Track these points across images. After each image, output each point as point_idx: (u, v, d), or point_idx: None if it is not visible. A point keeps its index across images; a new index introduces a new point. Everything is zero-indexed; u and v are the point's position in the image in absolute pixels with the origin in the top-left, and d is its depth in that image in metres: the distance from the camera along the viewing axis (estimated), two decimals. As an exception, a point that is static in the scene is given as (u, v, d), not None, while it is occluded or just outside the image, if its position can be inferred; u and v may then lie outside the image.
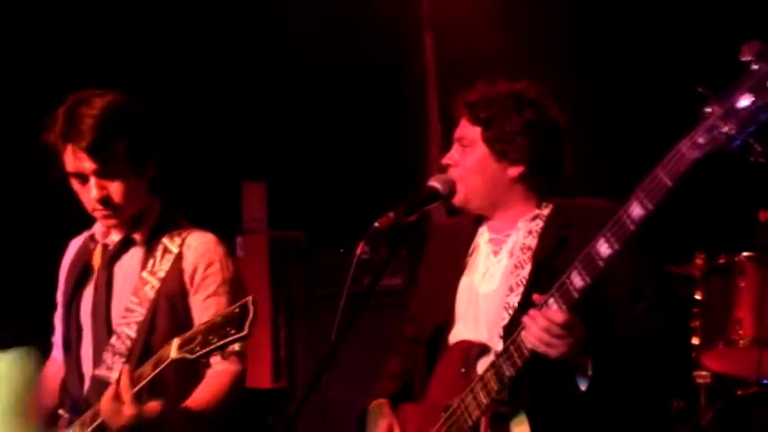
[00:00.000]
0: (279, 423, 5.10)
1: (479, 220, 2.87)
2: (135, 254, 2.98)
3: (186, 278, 2.91)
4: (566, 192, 2.81)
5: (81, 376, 2.97)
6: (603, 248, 2.30)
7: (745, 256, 4.41)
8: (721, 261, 4.49)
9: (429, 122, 6.27)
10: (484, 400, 2.56)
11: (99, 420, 2.70)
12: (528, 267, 2.67)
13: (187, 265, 2.91)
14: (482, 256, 2.82)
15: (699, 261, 4.53)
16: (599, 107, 5.27)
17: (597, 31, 5.57)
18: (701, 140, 2.09)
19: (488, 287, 2.74)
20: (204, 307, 2.87)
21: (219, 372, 2.87)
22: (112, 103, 2.85)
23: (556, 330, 2.37)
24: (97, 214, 2.92)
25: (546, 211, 2.76)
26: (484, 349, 2.66)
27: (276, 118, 6.08)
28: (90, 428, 2.75)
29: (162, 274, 2.90)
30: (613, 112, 5.43)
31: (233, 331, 2.43)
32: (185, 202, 3.11)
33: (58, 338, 3.15)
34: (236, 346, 2.58)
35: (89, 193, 2.85)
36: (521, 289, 2.64)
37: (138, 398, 2.62)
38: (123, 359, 2.84)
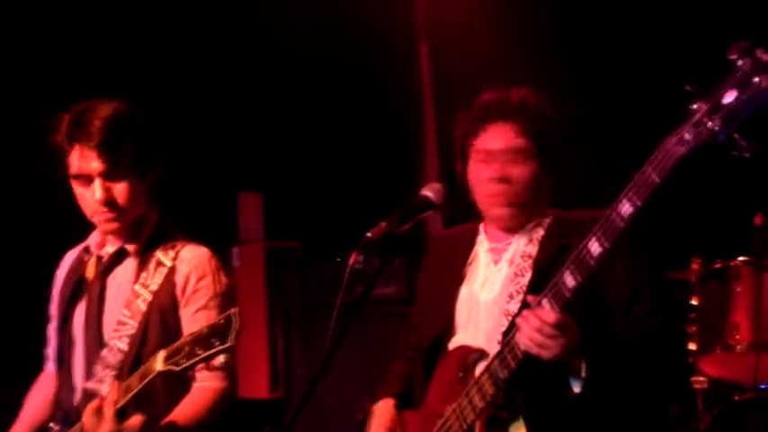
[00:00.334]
0: (276, 432, 5.09)
1: (477, 229, 2.88)
2: (128, 266, 2.97)
3: (178, 291, 2.90)
4: (564, 202, 2.82)
5: (73, 389, 2.96)
6: (594, 247, 2.30)
7: (741, 261, 4.40)
8: (717, 266, 4.48)
9: (425, 132, 6.28)
10: (479, 403, 2.56)
11: None
12: (528, 275, 2.68)
13: (179, 278, 2.90)
14: (482, 265, 2.83)
15: (695, 266, 4.52)
16: (593, 114, 5.27)
17: (592, 40, 5.58)
18: (687, 136, 2.11)
19: (488, 295, 2.75)
20: (194, 320, 2.85)
21: (202, 388, 2.85)
22: (117, 109, 2.87)
23: (548, 331, 2.36)
24: (98, 218, 2.90)
25: (547, 220, 2.77)
26: (482, 355, 2.66)
27: (272, 128, 6.09)
28: None
29: (154, 288, 2.89)
30: (608, 118, 5.43)
31: (217, 343, 2.42)
32: (182, 213, 3.11)
33: (51, 351, 3.15)
34: (222, 358, 2.57)
35: (92, 196, 2.84)
36: (521, 296, 2.64)
37: (124, 411, 2.60)
38: (114, 372, 2.82)
